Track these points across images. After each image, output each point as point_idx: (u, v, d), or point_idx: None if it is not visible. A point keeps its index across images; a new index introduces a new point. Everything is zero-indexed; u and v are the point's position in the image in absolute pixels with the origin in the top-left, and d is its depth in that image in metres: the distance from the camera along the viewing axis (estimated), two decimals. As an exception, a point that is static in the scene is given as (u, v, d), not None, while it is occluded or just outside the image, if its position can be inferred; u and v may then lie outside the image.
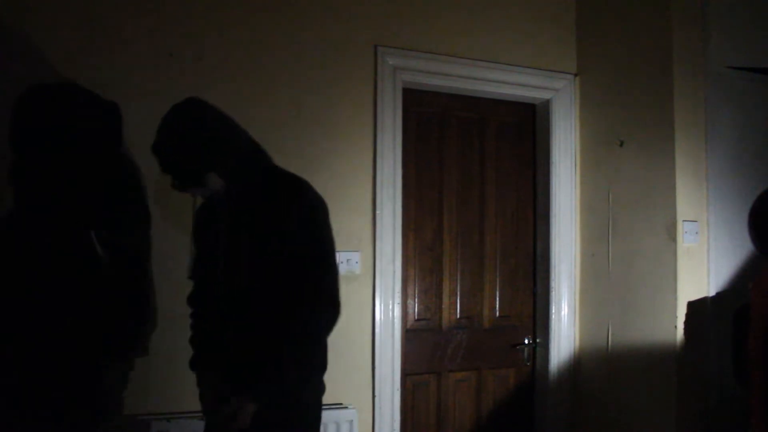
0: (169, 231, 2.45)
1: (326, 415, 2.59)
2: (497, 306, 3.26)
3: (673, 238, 2.74)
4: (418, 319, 3.10)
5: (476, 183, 3.24)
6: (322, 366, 1.97)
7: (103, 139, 1.73)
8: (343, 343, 2.77)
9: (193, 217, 2.06)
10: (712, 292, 2.78)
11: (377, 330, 2.86)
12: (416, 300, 3.10)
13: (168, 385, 2.45)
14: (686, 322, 2.71)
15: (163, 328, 2.35)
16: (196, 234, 2.04)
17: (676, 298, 2.72)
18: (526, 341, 3.29)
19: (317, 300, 1.86)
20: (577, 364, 3.23)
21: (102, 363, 1.76)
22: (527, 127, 3.37)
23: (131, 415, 2.38)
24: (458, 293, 3.18)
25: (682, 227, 2.74)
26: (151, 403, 2.45)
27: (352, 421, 2.68)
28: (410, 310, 3.08)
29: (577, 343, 3.24)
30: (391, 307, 2.89)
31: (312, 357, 1.91)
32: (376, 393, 2.84)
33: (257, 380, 1.80)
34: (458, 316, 3.18)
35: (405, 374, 3.01)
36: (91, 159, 1.69)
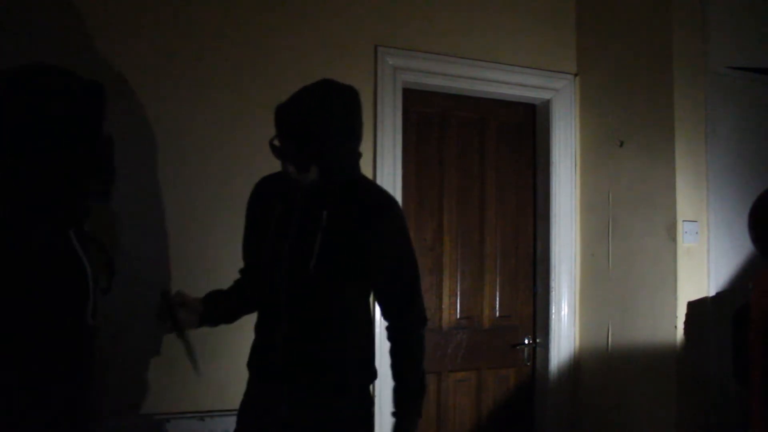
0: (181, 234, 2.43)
1: (326, 415, 2.60)
2: (497, 306, 3.26)
3: (673, 238, 2.74)
4: (418, 319, 3.09)
5: (476, 183, 3.24)
6: (374, 375, 1.98)
7: (81, 124, 1.54)
8: (343, 343, 2.78)
9: (252, 190, 2.00)
10: (712, 292, 2.78)
11: (377, 330, 2.84)
12: (416, 300, 3.10)
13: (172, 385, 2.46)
14: (686, 322, 2.71)
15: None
16: (255, 204, 1.99)
17: (676, 298, 2.72)
18: (526, 341, 3.29)
19: (414, 307, 1.91)
20: (577, 364, 3.23)
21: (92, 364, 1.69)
22: (527, 127, 3.37)
23: (146, 415, 2.38)
24: (458, 293, 3.18)
25: (682, 227, 2.74)
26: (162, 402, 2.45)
27: (352, 421, 2.68)
28: (410, 310, 3.08)
29: (577, 343, 3.24)
30: (391, 307, 2.89)
31: (421, 355, 1.92)
32: (376, 393, 2.84)
33: None
34: (458, 316, 3.18)
35: (405, 374, 3.01)
36: (66, 149, 1.52)
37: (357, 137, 1.89)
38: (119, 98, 2.12)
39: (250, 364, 1.96)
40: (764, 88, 2.94)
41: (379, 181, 2.87)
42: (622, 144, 3.02)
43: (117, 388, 2.33)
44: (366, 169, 2.86)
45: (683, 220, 2.75)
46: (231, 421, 2.11)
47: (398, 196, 2.93)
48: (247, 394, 1.96)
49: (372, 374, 1.97)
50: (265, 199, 1.97)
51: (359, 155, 1.96)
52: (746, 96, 2.91)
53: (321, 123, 1.75)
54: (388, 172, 2.90)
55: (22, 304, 1.47)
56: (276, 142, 1.81)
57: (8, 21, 2.35)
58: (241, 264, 2.08)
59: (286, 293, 1.85)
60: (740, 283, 2.79)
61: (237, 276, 2.07)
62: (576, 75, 3.31)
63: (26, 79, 1.52)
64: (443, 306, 3.15)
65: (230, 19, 2.66)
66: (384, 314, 1.93)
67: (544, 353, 3.25)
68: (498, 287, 3.26)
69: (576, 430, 3.20)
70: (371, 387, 2.01)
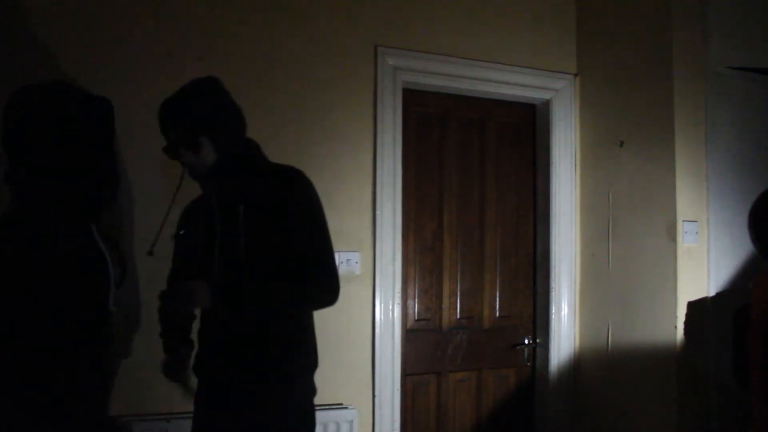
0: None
1: (326, 415, 2.61)
2: (497, 306, 3.26)
3: (673, 239, 2.74)
4: (418, 320, 3.10)
5: (476, 183, 3.24)
6: (313, 365, 1.96)
7: (98, 134, 1.74)
8: (344, 343, 2.78)
9: (181, 215, 2.04)
10: (712, 292, 2.78)
11: (377, 330, 2.86)
12: (416, 300, 3.10)
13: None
14: (686, 322, 2.71)
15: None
16: (183, 225, 2.03)
17: (676, 298, 2.72)
18: (526, 341, 3.29)
19: (321, 269, 1.87)
20: (577, 364, 3.23)
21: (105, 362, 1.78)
22: (527, 127, 3.37)
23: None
24: (458, 293, 3.18)
25: (682, 227, 2.74)
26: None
27: (352, 421, 2.68)
28: (410, 311, 3.08)
29: (577, 343, 3.24)
30: (391, 307, 2.89)
31: (293, 299, 1.88)
32: (376, 393, 2.84)
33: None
34: (458, 317, 3.18)
35: (405, 374, 3.01)
36: (86, 154, 1.71)
37: (236, 114, 1.93)
38: (120, 99, 2.11)
39: (196, 368, 1.99)
40: (764, 88, 2.94)
41: (379, 181, 2.88)
42: (622, 144, 3.02)
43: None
44: (366, 169, 2.87)
45: (683, 220, 2.75)
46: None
47: (398, 196, 2.93)
48: (197, 395, 1.99)
49: (313, 363, 1.96)
50: (191, 216, 2.03)
51: (254, 143, 1.98)
52: (746, 96, 2.91)
53: (187, 95, 1.86)
54: (387, 172, 2.90)
55: (53, 292, 1.61)
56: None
57: (8, 22, 2.36)
58: None
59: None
60: (740, 283, 2.79)
61: None
62: (576, 75, 3.31)
63: (54, 95, 1.70)
64: (443, 306, 3.15)
65: (230, 19, 2.67)
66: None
67: (544, 353, 3.25)
68: (498, 287, 3.26)
69: (576, 430, 3.20)
70: (313, 376, 1.97)
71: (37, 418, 1.58)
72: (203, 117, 1.84)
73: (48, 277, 1.61)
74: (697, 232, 2.76)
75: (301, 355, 1.92)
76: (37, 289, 1.60)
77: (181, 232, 2.01)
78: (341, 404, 2.73)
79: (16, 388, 1.58)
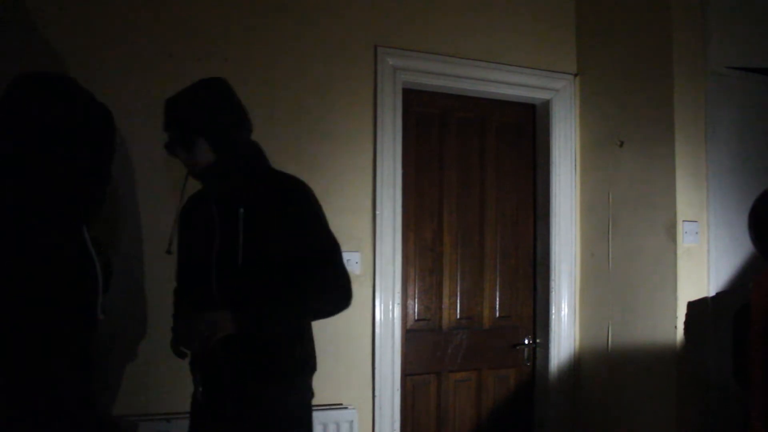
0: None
1: (326, 415, 2.61)
2: (497, 306, 3.26)
3: (673, 238, 2.74)
4: (418, 320, 3.10)
5: (476, 183, 3.24)
6: (311, 368, 1.96)
7: (93, 134, 1.70)
8: (343, 343, 2.78)
9: (178, 214, 2.04)
10: (712, 292, 2.78)
11: (377, 330, 2.86)
12: (416, 300, 3.10)
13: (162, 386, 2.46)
14: (686, 322, 2.71)
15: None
16: (184, 222, 2.02)
17: (676, 298, 2.72)
18: (526, 341, 3.29)
19: (326, 268, 1.87)
20: (577, 364, 3.23)
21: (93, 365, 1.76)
22: (527, 127, 3.37)
23: (117, 416, 2.38)
24: (458, 293, 3.18)
25: (682, 227, 2.74)
26: (143, 404, 2.45)
27: (352, 421, 2.68)
28: (410, 311, 3.08)
29: (577, 343, 3.24)
30: (391, 307, 2.89)
31: (306, 312, 1.88)
32: (376, 393, 2.84)
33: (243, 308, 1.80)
34: (458, 317, 3.18)
35: (405, 374, 3.01)
36: (81, 155, 1.66)
37: (237, 116, 1.93)
38: (120, 99, 2.12)
39: (193, 368, 1.97)
40: (764, 88, 2.94)
41: (379, 181, 2.88)
42: (622, 144, 3.02)
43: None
44: (366, 169, 2.87)
45: (683, 220, 2.75)
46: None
47: (398, 196, 2.93)
48: (194, 395, 1.98)
49: (311, 366, 1.96)
50: (189, 216, 2.02)
51: (257, 146, 1.98)
52: (746, 96, 2.91)
53: (187, 95, 1.86)
54: (388, 172, 2.90)
55: (41, 291, 1.58)
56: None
57: (9, 20, 2.36)
58: None
59: (219, 294, 1.87)
60: (740, 283, 2.79)
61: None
62: (576, 75, 3.31)
63: (53, 90, 1.65)
64: (443, 306, 3.15)
65: (230, 20, 2.66)
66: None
67: (544, 353, 3.25)
68: (498, 287, 3.26)
69: (576, 430, 3.20)
70: (311, 378, 1.97)
71: (22, 419, 1.56)
72: (199, 118, 1.84)
73: (36, 277, 1.58)
74: (697, 232, 2.76)
75: (297, 358, 1.91)
76: (24, 288, 1.57)
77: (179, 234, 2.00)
78: (341, 404, 2.73)
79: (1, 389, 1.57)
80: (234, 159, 1.89)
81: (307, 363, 1.95)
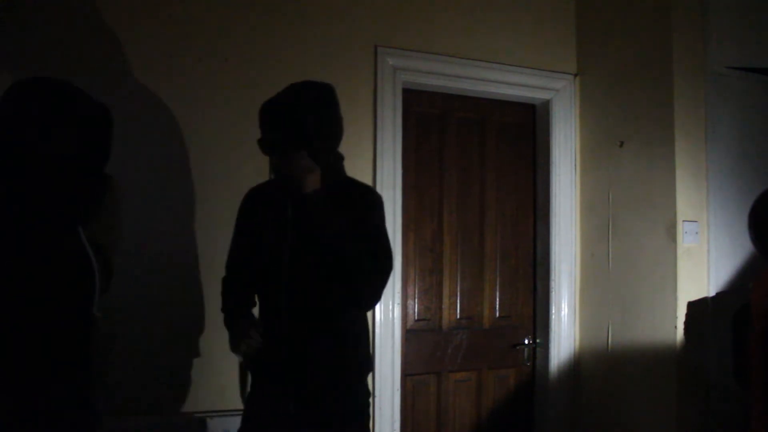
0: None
1: (326, 416, 2.60)
2: (497, 306, 3.26)
3: (673, 239, 2.74)
4: (418, 320, 3.10)
5: (476, 183, 3.24)
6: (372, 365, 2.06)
7: (93, 136, 1.73)
8: (343, 343, 2.78)
9: (243, 200, 2.06)
10: (712, 292, 2.78)
11: (377, 330, 2.86)
12: (416, 300, 3.10)
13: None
14: (686, 322, 2.71)
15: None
16: (246, 214, 2.05)
17: (676, 298, 2.72)
18: (526, 341, 3.29)
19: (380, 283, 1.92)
20: (577, 364, 3.23)
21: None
22: (527, 127, 3.37)
23: (147, 416, 2.40)
24: (458, 293, 3.18)
25: (682, 227, 2.74)
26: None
27: (352, 421, 2.68)
28: (410, 311, 3.08)
29: (577, 343, 3.24)
30: (391, 307, 2.89)
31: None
32: (376, 393, 2.84)
33: None
34: (458, 317, 3.18)
35: (405, 374, 3.01)
36: (79, 155, 1.70)
37: (339, 129, 1.95)
38: (120, 99, 2.12)
39: (258, 366, 1.98)
40: (764, 88, 2.94)
41: (379, 181, 2.88)
42: (622, 144, 3.02)
43: (117, 388, 2.33)
44: (366, 168, 2.87)
45: (683, 220, 2.75)
46: (231, 421, 2.11)
47: (398, 196, 2.93)
48: (252, 394, 1.99)
49: (370, 365, 2.05)
50: (257, 207, 2.02)
51: (342, 156, 2.01)
52: (746, 96, 2.91)
53: (300, 104, 1.85)
54: (388, 172, 2.90)
55: (39, 295, 1.60)
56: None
57: (9, 20, 2.36)
58: None
59: (286, 294, 1.89)
60: (740, 283, 2.79)
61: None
62: (576, 75, 3.31)
63: (52, 92, 1.68)
64: (443, 306, 3.15)
65: (230, 19, 2.66)
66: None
67: (544, 353, 3.25)
68: (498, 287, 3.26)
69: (576, 430, 3.20)
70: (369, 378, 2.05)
71: (22, 419, 1.57)
72: (308, 131, 1.82)
73: (35, 277, 1.60)
74: (697, 233, 2.76)
75: (367, 353, 2.01)
76: (23, 288, 1.59)
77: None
78: (341, 404, 2.73)
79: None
80: (327, 170, 1.89)
81: (371, 364, 2.06)
